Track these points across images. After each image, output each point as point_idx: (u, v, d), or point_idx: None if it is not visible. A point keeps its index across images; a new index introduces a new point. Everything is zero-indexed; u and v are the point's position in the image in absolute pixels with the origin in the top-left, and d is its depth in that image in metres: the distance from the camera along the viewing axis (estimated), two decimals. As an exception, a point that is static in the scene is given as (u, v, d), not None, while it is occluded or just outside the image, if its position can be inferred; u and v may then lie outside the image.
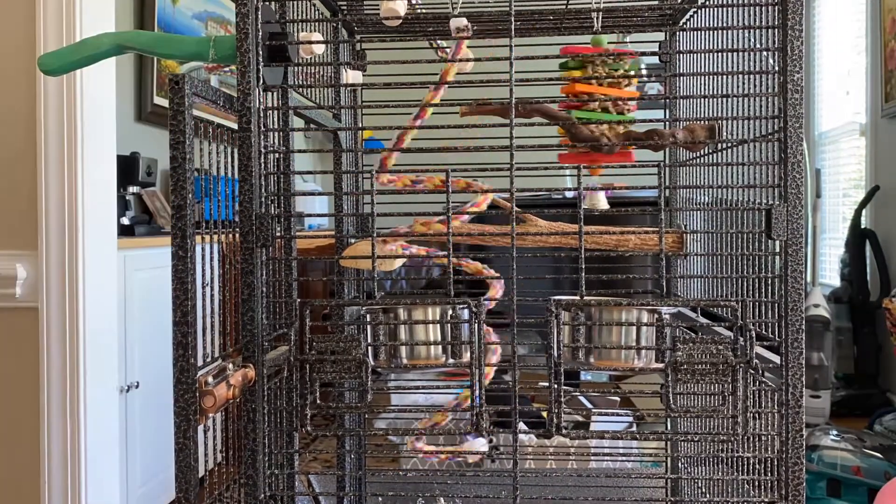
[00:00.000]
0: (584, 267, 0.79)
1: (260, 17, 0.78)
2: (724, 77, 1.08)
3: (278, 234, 0.79)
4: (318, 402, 0.78)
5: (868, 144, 4.50)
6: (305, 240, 3.50)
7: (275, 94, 0.93)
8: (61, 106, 1.65)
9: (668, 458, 1.38)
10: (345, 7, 1.27)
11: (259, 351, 0.78)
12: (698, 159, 1.22)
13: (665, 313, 0.79)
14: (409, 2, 0.97)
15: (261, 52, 0.78)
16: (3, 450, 1.21)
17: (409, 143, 0.97)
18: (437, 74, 1.14)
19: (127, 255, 2.05)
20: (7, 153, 1.66)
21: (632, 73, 1.02)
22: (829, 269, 5.03)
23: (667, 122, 1.29)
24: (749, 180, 0.92)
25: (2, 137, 1.65)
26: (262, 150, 0.78)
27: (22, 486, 1.23)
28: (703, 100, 1.21)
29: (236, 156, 0.78)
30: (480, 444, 1.03)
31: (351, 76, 1.20)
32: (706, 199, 1.24)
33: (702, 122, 0.98)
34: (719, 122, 0.95)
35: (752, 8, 0.89)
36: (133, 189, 2.62)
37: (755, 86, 0.90)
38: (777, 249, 0.79)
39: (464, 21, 0.87)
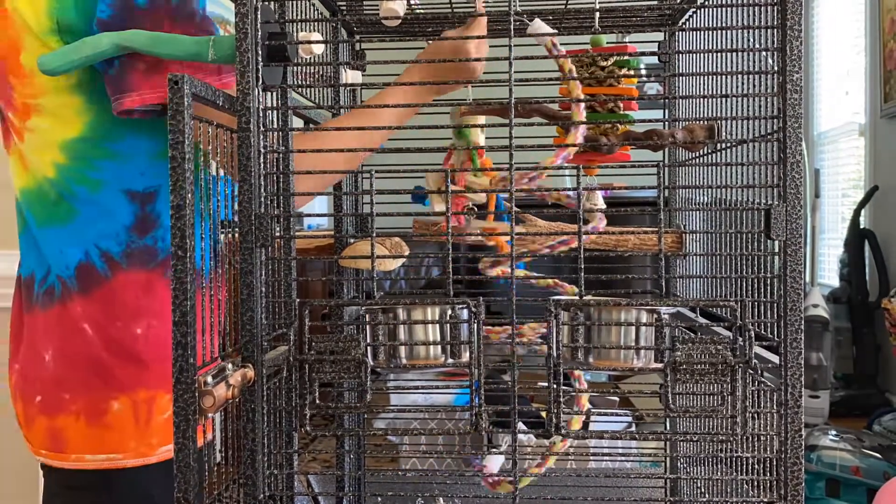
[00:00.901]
0: (583, 267, 0.79)
1: (259, 16, 0.78)
2: (724, 77, 1.08)
3: (277, 234, 0.79)
4: (318, 402, 0.78)
5: (867, 144, 4.51)
6: (305, 240, 3.49)
7: (274, 93, 0.93)
8: (60, 106, 1.65)
9: (667, 458, 1.38)
10: (344, 7, 1.28)
11: (258, 351, 0.78)
12: (697, 159, 1.22)
13: (664, 313, 0.79)
14: (408, 2, 0.97)
15: (260, 52, 0.78)
16: (2, 449, 1.21)
17: (407, 143, 0.97)
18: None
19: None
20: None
21: (628, 69, 1.02)
22: (829, 270, 5.03)
23: (666, 122, 1.30)
24: (748, 180, 0.92)
25: (1, 137, 1.65)
26: (262, 150, 0.78)
27: (22, 485, 1.23)
28: (702, 100, 1.21)
29: (235, 156, 0.78)
30: (497, 462, 1.02)
31: (350, 76, 1.20)
32: (705, 199, 1.24)
33: (701, 122, 0.98)
34: (718, 122, 0.95)
35: (751, 8, 0.89)
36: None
37: (754, 86, 0.90)
38: (776, 249, 0.79)
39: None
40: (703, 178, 1.22)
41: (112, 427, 1.05)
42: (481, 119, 1.06)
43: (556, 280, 0.97)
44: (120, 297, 1.05)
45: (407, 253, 1.11)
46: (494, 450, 0.96)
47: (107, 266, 1.05)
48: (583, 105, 0.88)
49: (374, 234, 0.80)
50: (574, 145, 0.87)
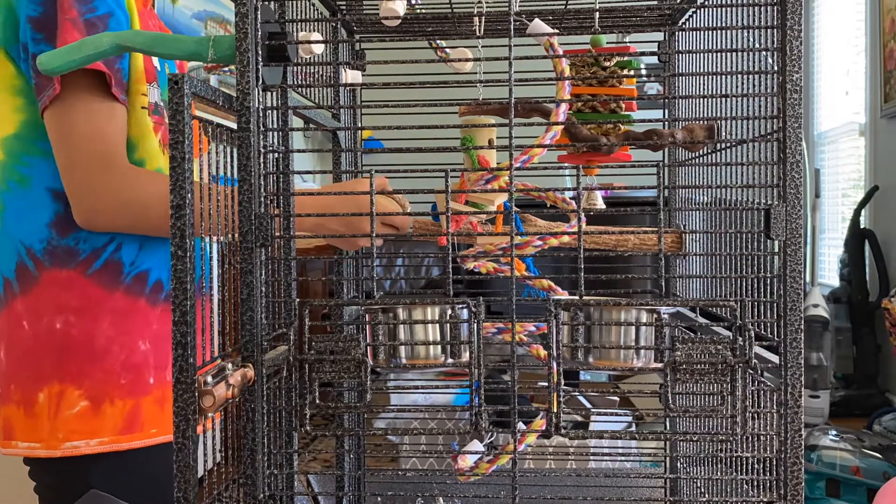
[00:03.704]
0: (583, 267, 0.79)
1: (259, 16, 0.78)
2: (723, 77, 1.08)
3: (277, 233, 0.79)
4: (318, 401, 0.78)
5: (867, 144, 4.51)
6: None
7: (274, 93, 0.93)
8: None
9: (667, 458, 1.38)
10: (344, 7, 1.28)
11: (258, 351, 0.78)
12: (697, 159, 1.22)
13: (664, 313, 0.79)
14: (408, 2, 0.97)
15: (260, 52, 0.78)
16: (2, 449, 1.21)
17: (407, 143, 0.97)
18: (436, 74, 1.14)
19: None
20: None
21: (629, 69, 1.02)
22: (829, 269, 5.03)
23: (666, 122, 1.30)
24: (748, 180, 0.92)
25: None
26: (262, 149, 0.78)
27: (22, 485, 1.24)
28: (701, 100, 1.21)
29: (235, 155, 0.78)
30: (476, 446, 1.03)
31: (350, 76, 1.20)
32: (705, 198, 1.24)
33: (701, 122, 0.98)
34: (718, 121, 0.95)
35: (751, 8, 0.89)
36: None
37: (754, 86, 0.90)
38: (776, 249, 0.79)
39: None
40: (703, 178, 1.22)
41: (38, 416, 1.11)
42: (491, 119, 1.06)
43: (552, 284, 0.97)
44: (45, 293, 1.12)
45: (408, 208, 1.11)
46: (475, 443, 0.97)
47: (34, 264, 1.12)
48: (567, 83, 0.88)
49: (374, 235, 0.80)
50: (559, 123, 0.87)
